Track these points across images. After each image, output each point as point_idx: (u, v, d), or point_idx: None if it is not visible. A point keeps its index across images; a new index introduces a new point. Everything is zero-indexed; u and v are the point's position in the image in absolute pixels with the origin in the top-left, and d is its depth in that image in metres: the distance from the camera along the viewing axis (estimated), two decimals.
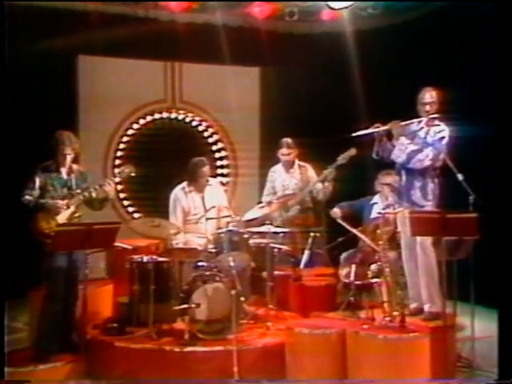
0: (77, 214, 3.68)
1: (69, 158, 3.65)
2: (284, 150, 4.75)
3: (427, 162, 3.62)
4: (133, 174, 3.90)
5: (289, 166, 4.80)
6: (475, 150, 4.43)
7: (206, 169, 4.56)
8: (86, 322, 3.65)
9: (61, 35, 5.15)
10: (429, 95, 3.68)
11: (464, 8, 5.02)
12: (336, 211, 4.48)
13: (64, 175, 3.67)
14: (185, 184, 4.59)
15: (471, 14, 4.94)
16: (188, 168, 4.55)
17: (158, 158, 5.82)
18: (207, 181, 4.56)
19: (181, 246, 4.25)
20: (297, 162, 4.82)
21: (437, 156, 3.63)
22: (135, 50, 5.65)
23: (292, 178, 4.82)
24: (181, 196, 4.54)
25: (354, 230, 4.17)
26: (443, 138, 3.65)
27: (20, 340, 4.07)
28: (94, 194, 3.68)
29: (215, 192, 4.65)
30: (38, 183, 3.61)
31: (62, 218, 3.60)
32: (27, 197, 3.58)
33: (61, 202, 3.58)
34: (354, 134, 3.76)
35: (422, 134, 3.73)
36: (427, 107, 3.67)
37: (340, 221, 4.32)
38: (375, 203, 4.56)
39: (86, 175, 3.77)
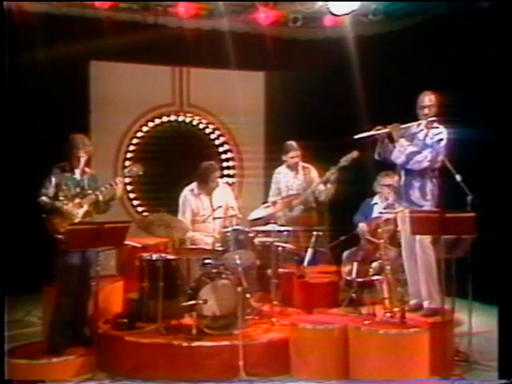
0: (90, 213, 3.77)
1: (82, 160, 3.76)
2: (292, 153, 4.81)
3: (425, 163, 3.69)
4: (140, 173, 3.98)
5: (294, 167, 4.88)
6: (473, 152, 4.51)
7: (217, 173, 4.62)
8: (98, 317, 3.74)
9: (74, 42, 5.27)
10: (428, 99, 3.76)
11: (462, 14, 5.12)
12: (363, 228, 4.49)
13: (77, 176, 3.78)
14: (194, 186, 4.64)
15: (469, 19, 5.03)
16: (199, 171, 4.59)
17: (167, 160, 5.91)
18: (216, 184, 4.62)
19: (189, 244, 4.33)
20: (300, 163, 4.90)
21: (435, 157, 3.70)
22: (145, 55, 5.75)
23: (296, 178, 4.89)
24: (190, 198, 4.59)
25: (381, 242, 4.07)
26: (441, 139, 3.72)
27: (35, 334, 4.17)
28: (100, 197, 3.77)
29: (222, 192, 4.71)
30: (54, 182, 3.70)
31: (75, 216, 3.69)
32: (43, 198, 3.67)
33: (76, 210, 3.67)
34: (355, 137, 3.84)
35: (421, 136, 3.80)
36: (426, 110, 3.74)
37: (369, 237, 4.36)
38: (375, 204, 4.62)
39: (97, 178, 3.87)
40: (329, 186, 4.64)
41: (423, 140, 3.78)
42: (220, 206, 4.51)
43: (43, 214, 3.68)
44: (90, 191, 3.76)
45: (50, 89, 5.27)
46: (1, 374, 3.18)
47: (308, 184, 4.85)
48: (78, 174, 3.80)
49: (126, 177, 4.09)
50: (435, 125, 3.78)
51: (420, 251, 3.74)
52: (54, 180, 3.73)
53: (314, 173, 4.90)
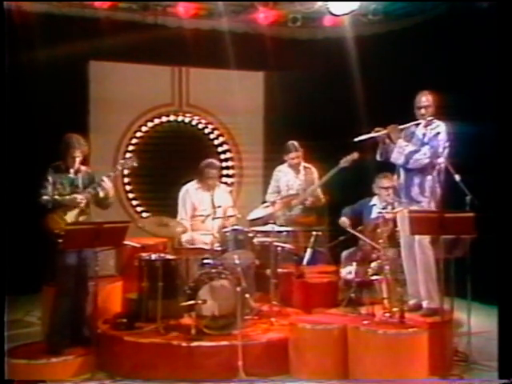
0: (86, 212, 3.79)
1: (77, 160, 3.76)
2: (293, 154, 4.82)
3: (426, 160, 3.68)
4: (135, 165, 3.98)
5: (296, 167, 4.89)
6: (472, 152, 4.50)
7: (215, 171, 4.60)
8: (97, 317, 3.75)
9: (73, 42, 5.28)
10: (425, 99, 3.76)
11: (461, 14, 5.12)
12: (344, 220, 4.52)
13: (72, 174, 3.78)
14: (195, 182, 4.65)
15: (469, 19, 5.03)
16: (199, 168, 4.60)
17: (166, 160, 5.92)
18: (216, 182, 4.60)
19: (188, 244, 4.33)
20: (302, 163, 4.90)
21: (435, 153, 3.68)
22: (144, 55, 5.76)
23: (296, 178, 4.90)
24: (192, 191, 4.60)
25: (363, 237, 4.20)
26: (439, 133, 3.71)
27: (34, 334, 4.17)
28: (101, 194, 3.78)
29: (222, 192, 4.71)
30: (51, 181, 3.71)
31: (70, 216, 3.70)
32: (45, 197, 3.67)
33: (80, 197, 3.67)
34: (355, 140, 3.85)
35: (419, 134, 3.80)
36: (423, 110, 3.74)
37: (349, 229, 4.39)
38: (374, 205, 4.61)
39: (93, 176, 3.87)
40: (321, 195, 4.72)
41: (422, 138, 3.79)
42: (219, 206, 4.50)
43: (46, 212, 3.66)
44: (84, 190, 3.76)
45: (50, 89, 5.27)
46: (1, 374, 3.18)
47: (308, 184, 4.87)
48: (72, 173, 3.81)
49: (123, 176, 4.07)
50: (433, 121, 3.77)
51: (419, 251, 3.74)
52: (51, 179, 3.74)
53: (315, 173, 4.92)
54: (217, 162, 4.78)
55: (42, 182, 3.74)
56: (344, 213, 4.62)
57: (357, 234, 4.32)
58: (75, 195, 3.72)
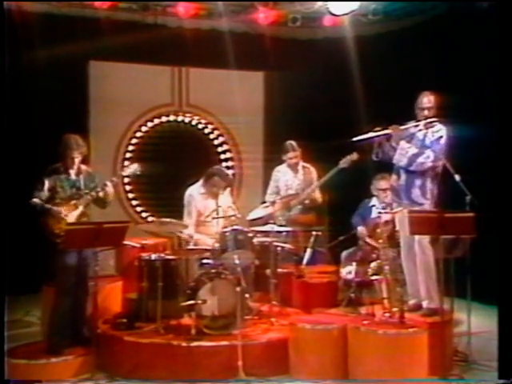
0: (86, 214, 3.79)
1: (77, 161, 3.75)
2: (291, 154, 4.82)
3: (429, 164, 3.68)
4: (138, 173, 3.98)
5: (294, 167, 4.89)
6: (472, 152, 4.51)
7: (223, 183, 4.50)
8: (97, 317, 3.75)
9: (73, 42, 5.29)
10: (427, 100, 3.75)
11: (461, 14, 5.12)
12: (362, 231, 4.50)
13: (73, 176, 3.77)
14: (200, 185, 4.57)
15: (469, 19, 5.04)
16: (208, 172, 4.51)
17: (166, 160, 5.91)
18: (221, 191, 4.50)
19: (191, 245, 4.33)
20: (301, 163, 4.91)
21: (437, 156, 3.68)
22: (144, 55, 5.78)
23: (295, 178, 4.91)
24: (196, 197, 4.53)
25: (379, 246, 4.11)
26: (441, 137, 3.71)
27: (34, 334, 4.17)
28: (101, 194, 3.79)
29: (225, 195, 4.67)
30: (47, 185, 3.69)
31: (71, 217, 3.69)
32: (35, 199, 3.66)
33: (64, 212, 3.66)
34: (354, 139, 3.84)
35: (420, 136, 3.79)
36: (425, 112, 3.73)
37: (368, 240, 4.39)
38: (373, 205, 4.61)
39: (94, 176, 3.87)
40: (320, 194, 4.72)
41: (423, 140, 3.78)
42: (219, 206, 4.49)
43: (36, 215, 3.67)
44: (86, 191, 3.76)
45: (50, 89, 5.27)
46: (1, 374, 3.18)
47: (307, 184, 4.87)
48: (73, 174, 3.80)
49: (124, 177, 4.08)
50: (434, 124, 3.77)
51: (419, 251, 3.74)
52: (47, 182, 3.72)
53: (314, 173, 4.92)
54: (229, 175, 4.71)
55: (36, 184, 3.72)
56: (356, 221, 4.60)
57: (376, 244, 4.20)
58: (60, 208, 3.68)
